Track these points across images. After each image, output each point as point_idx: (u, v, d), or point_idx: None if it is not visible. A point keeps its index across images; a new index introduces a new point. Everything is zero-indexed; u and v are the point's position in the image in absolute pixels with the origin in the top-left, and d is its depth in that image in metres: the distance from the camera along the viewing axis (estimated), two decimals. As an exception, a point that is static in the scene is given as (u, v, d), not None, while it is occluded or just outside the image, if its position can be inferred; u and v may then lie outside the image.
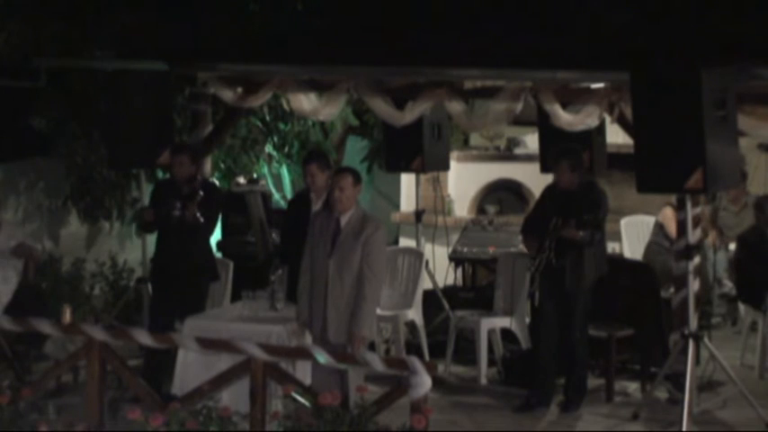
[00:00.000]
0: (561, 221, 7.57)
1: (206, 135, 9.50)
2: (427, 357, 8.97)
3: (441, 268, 10.31)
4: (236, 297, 8.42)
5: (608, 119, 8.55)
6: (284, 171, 12.33)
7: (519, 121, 9.41)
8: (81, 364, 7.16)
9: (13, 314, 7.53)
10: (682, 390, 7.26)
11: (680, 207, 7.85)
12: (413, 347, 9.12)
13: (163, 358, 7.62)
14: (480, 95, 9.13)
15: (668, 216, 9.91)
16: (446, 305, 9.37)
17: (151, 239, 8.61)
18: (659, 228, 10.09)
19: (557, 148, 8.01)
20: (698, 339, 7.46)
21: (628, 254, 10.68)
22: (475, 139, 12.71)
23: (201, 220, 7.97)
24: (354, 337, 6.71)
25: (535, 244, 7.79)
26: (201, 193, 8.02)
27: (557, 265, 7.64)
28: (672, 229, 9.81)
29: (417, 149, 9.55)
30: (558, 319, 7.83)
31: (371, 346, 7.95)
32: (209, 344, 6.39)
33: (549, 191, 8.05)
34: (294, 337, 7.14)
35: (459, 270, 10.59)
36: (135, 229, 10.77)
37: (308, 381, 6.73)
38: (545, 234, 7.65)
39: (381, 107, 8.92)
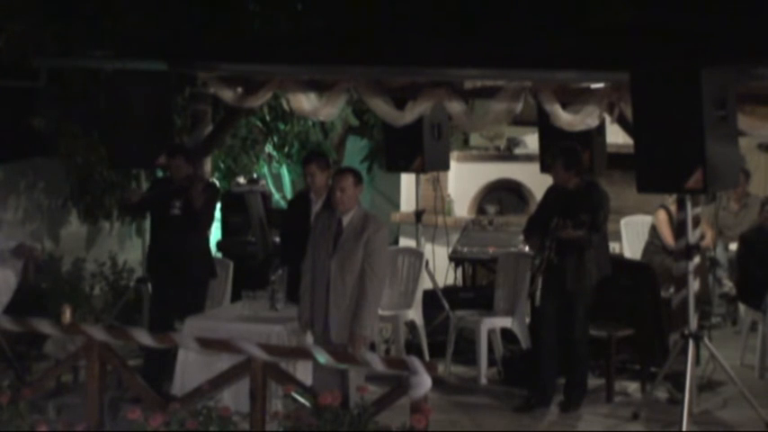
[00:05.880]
0: (560, 222, 7.58)
1: (206, 135, 9.50)
2: (427, 357, 8.97)
3: (441, 268, 10.31)
4: (236, 297, 8.42)
5: (608, 119, 8.55)
6: (284, 171, 12.34)
7: (519, 121, 9.41)
8: (81, 364, 7.16)
9: (13, 314, 7.53)
10: (682, 390, 7.26)
11: (680, 207, 7.85)
12: (413, 347, 9.12)
13: (163, 358, 7.62)
14: (480, 95, 9.12)
15: (660, 219, 9.93)
16: (446, 305, 9.37)
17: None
18: (654, 229, 10.10)
19: (553, 148, 8.03)
20: (698, 339, 7.47)
21: (628, 254, 10.69)
22: (475, 139, 12.71)
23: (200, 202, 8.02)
24: (356, 337, 6.71)
25: (537, 243, 7.80)
26: (203, 183, 8.10)
27: (558, 264, 7.64)
28: (663, 232, 9.83)
29: (417, 149, 9.55)
30: (559, 318, 7.83)
31: (372, 347, 7.95)
32: (209, 344, 6.39)
33: (551, 191, 8.07)
34: (295, 337, 7.15)
35: (459, 270, 10.59)
36: (135, 229, 10.78)
37: (309, 381, 6.74)
38: (546, 234, 7.66)
39: (381, 107, 8.92)
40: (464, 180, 12.25)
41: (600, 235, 7.74)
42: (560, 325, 7.83)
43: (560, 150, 7.87)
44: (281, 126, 11.56)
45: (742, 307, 9.58)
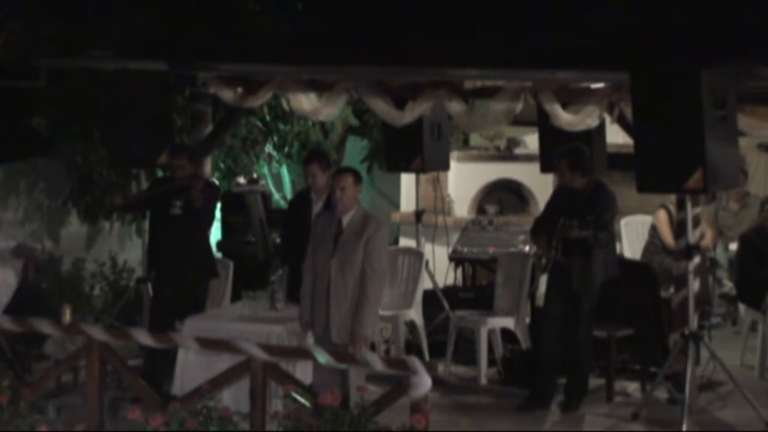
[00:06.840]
0: (566, 222, 7.57)
1: (206, 135, 9.50)
2: (427, 357, 8.97)
3: (441, 268, 10.31)
4: (236, 297, 8.42)
5: (608, 119, 8.55)
6: (284, 171, 12.34)
7: (519, 121, 9.40)
8: (81, 364, 7.16)
9: (13, 314, 7.53)
10: (682, 390, 7.26)
11: (680, 207, 7.85)
12: (413, 347, 9.12)
13: (163, 358, 7.62)
14: (480, 95, 9.12)
15: (661, 219, 9.92)
16: (446, 305, 9.37)
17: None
18: (654, 229, 10.10)
19: (559, 149, 8.01)
20: (698, 339, 7.47)
21: (628, 254, 10.68)
22: (475, 139, 12.71)
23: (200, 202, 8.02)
24: (357, 336, 6.71)
25: (544, 244, 7.78)
26: (202, 183, 8.10)
27: (564, 265, 7.62)
28: (663, 231, 9.82)
29: (417, 149, 9.54)
30: (563, 319, 7.82)
31: (372, 347, 7.95)
32: (209, 344, 6.39)
33: (558, 191, 8.06)
34: (295, 337, 7.15)
35: (459, 270, 10.59)
36: (135, 229, 10.78)
37: (309, 381, 6.74)
38: (552, 234, 7.64)
39: (381, 107, 8.92)
40: (464, 180, 12.23)
41: (607, 234, 7.72)
42: (564, 325, 7.82)
43: (565, 151, 7.86)
44: (281, 126, 11.56)
45: (742, 307, 9.58)
